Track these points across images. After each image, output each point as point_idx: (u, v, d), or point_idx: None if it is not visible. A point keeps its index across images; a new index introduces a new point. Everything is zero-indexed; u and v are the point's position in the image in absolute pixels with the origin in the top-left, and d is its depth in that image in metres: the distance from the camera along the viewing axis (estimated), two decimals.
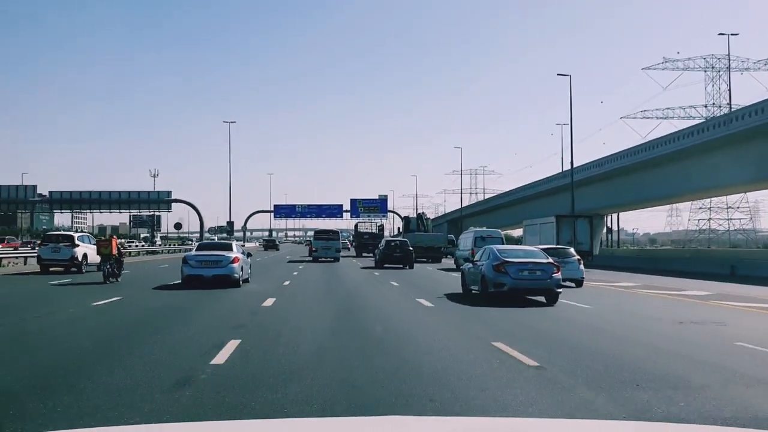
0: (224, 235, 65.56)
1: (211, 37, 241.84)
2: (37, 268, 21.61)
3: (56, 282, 16.95)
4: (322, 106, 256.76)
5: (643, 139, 50.00)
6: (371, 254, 40.75)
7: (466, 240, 26.51)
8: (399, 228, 50.71)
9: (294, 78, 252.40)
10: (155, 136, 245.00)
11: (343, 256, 40.14)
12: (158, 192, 70.64)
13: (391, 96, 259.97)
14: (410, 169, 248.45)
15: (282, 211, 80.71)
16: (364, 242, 47.65)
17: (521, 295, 12.53)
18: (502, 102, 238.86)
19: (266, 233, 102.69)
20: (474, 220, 64.63)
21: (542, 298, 12.50)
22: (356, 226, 55.79)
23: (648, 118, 55.00)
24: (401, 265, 27.21)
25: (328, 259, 34.61)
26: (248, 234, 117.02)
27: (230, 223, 64.63)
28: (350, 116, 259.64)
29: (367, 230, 52.56)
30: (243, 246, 22.52)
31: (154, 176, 79.62)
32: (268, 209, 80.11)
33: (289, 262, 33.52)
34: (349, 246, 73.53)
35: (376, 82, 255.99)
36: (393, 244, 29.08)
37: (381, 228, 56.94)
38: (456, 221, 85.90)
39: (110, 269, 16.74)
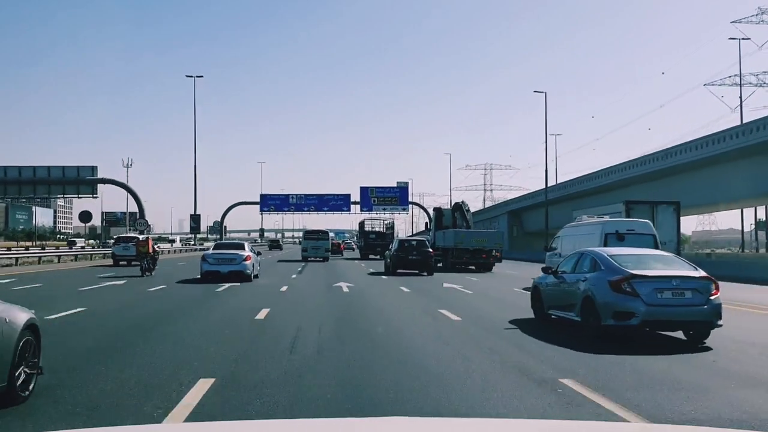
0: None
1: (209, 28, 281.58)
2: (109, 261, 35.02)
3: (105, 275, 25.41)
4: (323, 106, 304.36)
5: (731, 111, 46.96)
6: (378, 256, 45.46)
7: (581, 237, 19.46)
8: (426, 224, 47.36)
9: (294, 75, 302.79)
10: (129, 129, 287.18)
11: (346, 259, 48.48)
12: (77, 168, 58.63)
13: (392, 96, 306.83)
14: (415, 167, 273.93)
15: (270, 202, 75.46)
16: (370, 242, 51.13)
17: (654, 330, 9.86)
18: (510, 99, 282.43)
19: (255, 233, 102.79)
20: (539, 211, 60.08)
21: (676, 334, 10.02)
22: (361, 224, 58.71)
23: (737, 84, 52.08)
24: (417, 271, 27.58)
25: (318, 258, 43.45)
26: (232, 235, 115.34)
27: (195, 218, 61.37)
28: (349, 115, 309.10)
29: (374, 229, 56.18)
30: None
31: (127, 167, 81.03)
32: (254, 201, 76.54)
33: (279, 261, 40.04)
34: (354, 246, 73.05)
35: (379, 79, 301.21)
36: (407, 244, 29.14)
37: (390, 226, 59.14)
38: (518, 213, 76.78)
39: (147, 265, 24.56)
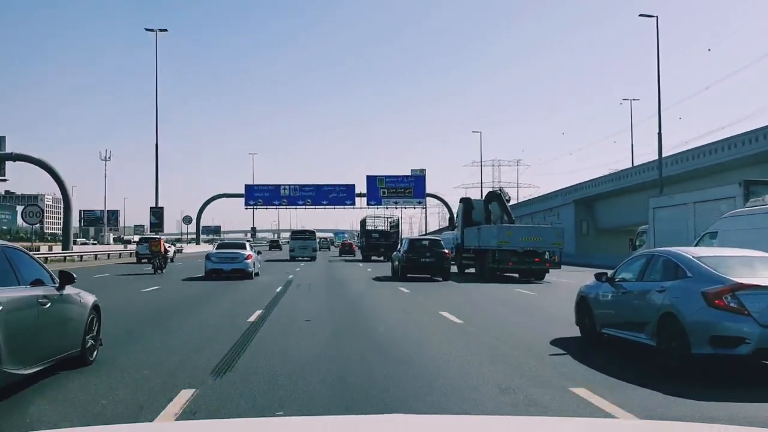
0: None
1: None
2: (133, 259, 47.02)
3: (123, 273, 32.27)
4: (323, 105, 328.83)
5: None
6: (382, 257, 49.31)
7: None
8: (451, 219, 44.28)
9: (293, 74, 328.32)
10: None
11: (347, 260, 53.43)
12: None
13: (392, 95, 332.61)
14: (416, 166, 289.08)
15: (258, 194, 73.34)
16: (372, 243, 53.77)
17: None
18: (521, 94, 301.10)
19: (247, 234, 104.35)
20: (625, 199, 53.94)
21: None
22: (363, 222, 61.00)
23: None
24: (431, 275, 27.86)
25: (305, 258, 50.85)
26: (227, 236, 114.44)
27: (157, 212, 58.82)
28: (348, 114, 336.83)
29: (377, 227, 58.17)
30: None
31: (105, 160, 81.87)
32: (238, 193, 74.54)
33: (267, 261, 43.10)
34: (355, 248, 75.88)
35: (380, 76, 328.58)
36: (419, 244, 29.15)
37: (395, 224, 60.49)
38: (590, 202, 64.61)
39: (158, 263, 31.35)
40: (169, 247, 37.84)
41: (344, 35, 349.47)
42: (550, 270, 28.75)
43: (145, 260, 40.10)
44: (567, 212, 65.65)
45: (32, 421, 6.03)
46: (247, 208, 74.28)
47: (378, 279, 27.95)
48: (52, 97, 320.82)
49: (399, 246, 31.97)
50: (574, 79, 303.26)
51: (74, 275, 8.15)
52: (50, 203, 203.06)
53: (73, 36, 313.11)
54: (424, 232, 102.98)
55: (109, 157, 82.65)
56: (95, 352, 8.62)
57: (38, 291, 7.32)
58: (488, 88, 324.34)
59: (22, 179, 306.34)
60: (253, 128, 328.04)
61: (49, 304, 7.37)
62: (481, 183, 79.01)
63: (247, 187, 74.55)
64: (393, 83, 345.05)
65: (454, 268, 32.39)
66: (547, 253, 28.57)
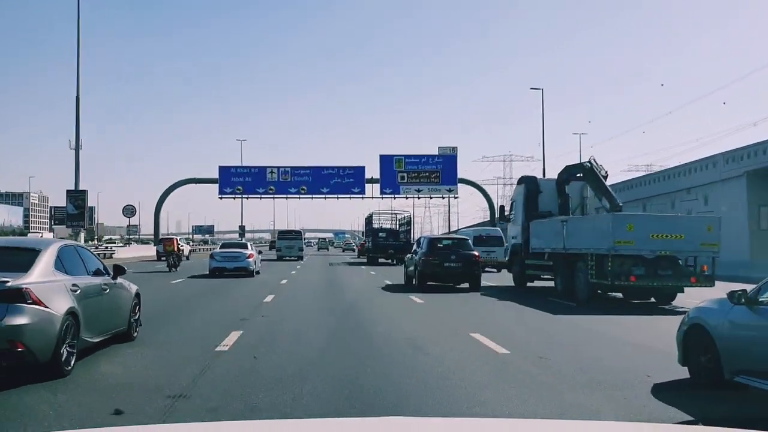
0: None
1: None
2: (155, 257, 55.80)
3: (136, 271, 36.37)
4: (322, 103, 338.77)
5: None
6: (390, 260, 51.30)
7: None
8: (503, 208, 33.54)
9: (291, 71, 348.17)
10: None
11: (350, 263, 54.10)
12: None
13: (393, 88, 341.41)
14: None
15: (236, 179, 67.62)
16: (380, 243, 54.20)
17: None
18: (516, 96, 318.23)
19: (254, 234, 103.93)
20: None
21: None
22: (368, 219, 61.95)
23: None
24: (455, 284, 26.63)
25: (292, 257, 58.00)
26: (224, 236, 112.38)
27: (75, 198, 53.42)
28: (348, 112, 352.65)
29: (384, 225, 58.55)
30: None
31: (76, 150, 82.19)
32: (211, 178, 68.61)
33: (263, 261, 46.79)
34: (355, 248, 78.39)
35: (385, 72, 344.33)
36: (442, 245, 27.55)
37: (407, 221, 59.51)
38: None
39: (173, 261, 39.25)
40: (182, 246, 48.11)
41: (343, 31, 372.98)
42: (694, 287, 19.94)
43: (163, 258, 46.26)
44: (728, 192, 45.12)
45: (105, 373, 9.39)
46: (222, 198, 67.15)
47: (388, 288, 26.89)
48: (44, 92, 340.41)
49: (414, 247, 29.84)
50: (586, 73, 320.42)
51: (125, 268, 12.16)
52: (35, 201, 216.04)
53: (67, 32, 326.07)
54: (447, 231, 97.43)
55: (81, 147, 79.46)
56: (136, 332, 12.24)
57: (100, 279, 10.90)
58: (490, 85, 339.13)
59: (9, 178, 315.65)
60: (248, 124, 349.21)
61: (108, 290, 10.97)
62: (543, 157, 69.65)
63: (221, 169, 67.36)
64: (391, 81, 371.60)
65: (504, 279, 30.37)
66: (681, 260, 20.36)
